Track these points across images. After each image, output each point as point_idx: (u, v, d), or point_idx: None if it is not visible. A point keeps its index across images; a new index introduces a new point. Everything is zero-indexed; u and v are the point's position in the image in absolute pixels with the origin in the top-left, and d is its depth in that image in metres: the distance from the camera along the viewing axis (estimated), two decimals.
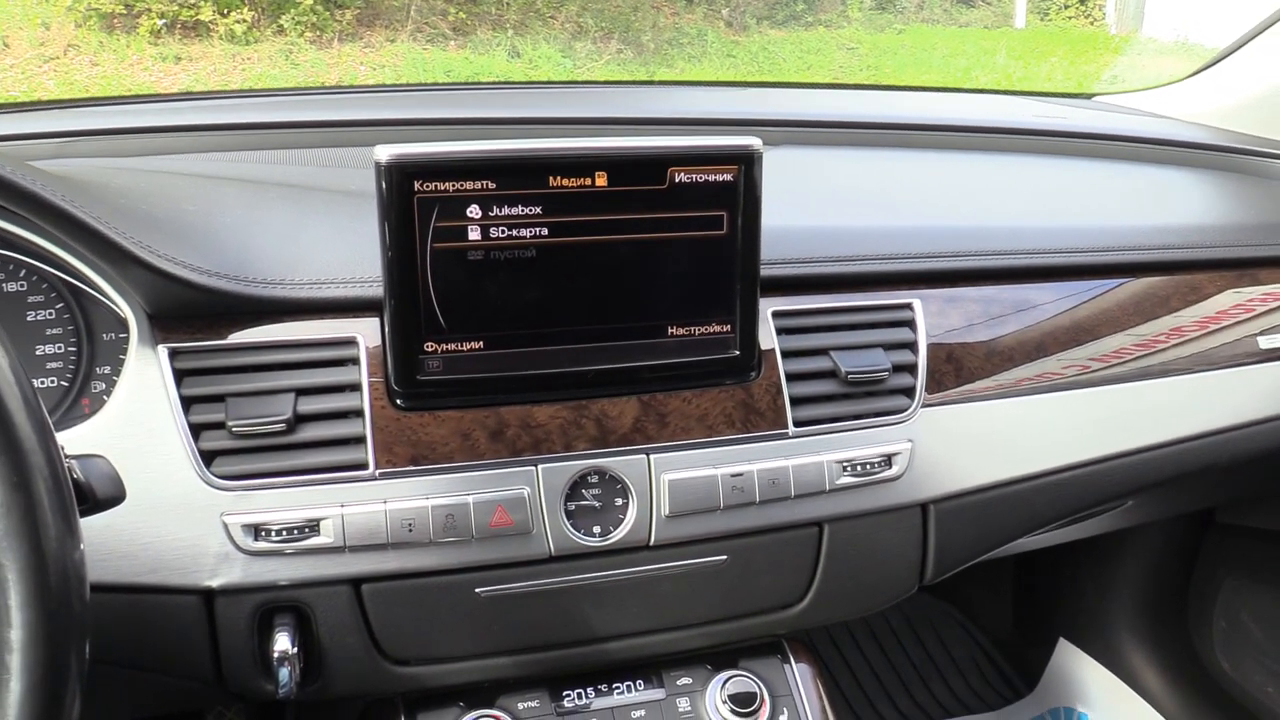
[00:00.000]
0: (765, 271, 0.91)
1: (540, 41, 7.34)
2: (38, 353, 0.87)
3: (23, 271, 0.87)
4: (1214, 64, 1.58)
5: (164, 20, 6.05)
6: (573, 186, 0.84)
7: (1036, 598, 2.11)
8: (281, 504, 0.82)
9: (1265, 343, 1.18)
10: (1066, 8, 10.40)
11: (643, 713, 0.97)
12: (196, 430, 0.83)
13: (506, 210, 0.83)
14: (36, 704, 0.55)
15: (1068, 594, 2.04)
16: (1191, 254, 1.19)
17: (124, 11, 5.96)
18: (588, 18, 7.82)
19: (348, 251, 0.90)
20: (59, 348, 0.88)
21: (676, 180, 0.85)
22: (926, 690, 2.07)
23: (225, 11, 6.21)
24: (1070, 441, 1.06)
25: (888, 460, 0.96)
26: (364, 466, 0.84)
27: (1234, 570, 1.79)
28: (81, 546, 0.58)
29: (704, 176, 0.86)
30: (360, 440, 0.84)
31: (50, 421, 0.58)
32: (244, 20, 6.27)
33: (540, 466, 0.87)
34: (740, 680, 0.98)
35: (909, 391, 0.98)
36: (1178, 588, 1.91)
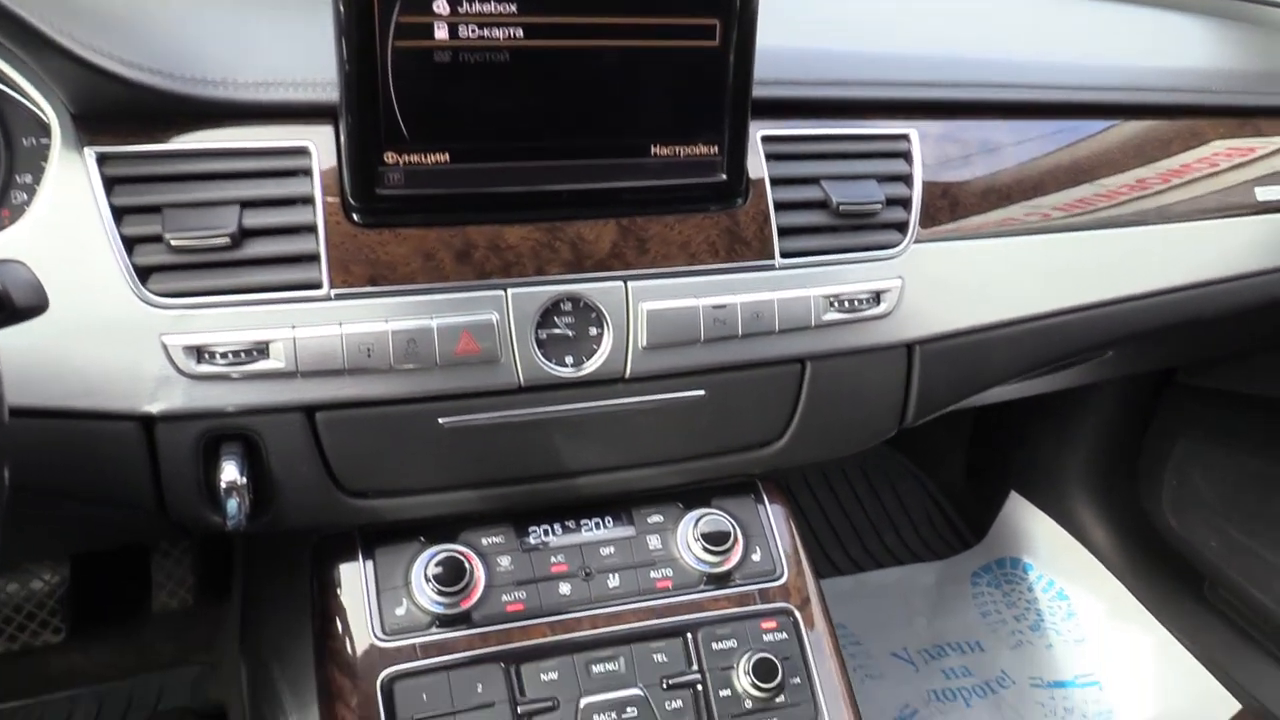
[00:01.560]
0: (756, 92, 0.84)
1: None
2: None
3: None
4: None
5: None
6: None
7: (991, 451, 2.13)
8: (226, 325, 0.76)
9: (1262, 194, 1.15)
10: None
11: (612, 550, 0.94)
12: (130, 243, 0.75)
13: (478, 6, 0.74)
14: None
15: (1024, 450, 2.06)
16: (1195, 98, 1.14)
17: None
18: None
19: (299, 50, 0.81)
20: None
21: None
22: (879, 539, 2.11)
23: None
24: (1061, 286, 1.03)
25: (876, 297, 0.91)
26: (317, 286, 0.77)
27: (1189, 429, 1.81)
28: None
29: None
30: (313, 258, 0.77)
31: None
32: None
33: (510, 291, 0.80)
34: (713, 519, 0.95)
35: (902, 226, 0.93)
36: (1131, 446, 1.93)
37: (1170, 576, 1.88)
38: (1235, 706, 1.69)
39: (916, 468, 2.21)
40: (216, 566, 1.68)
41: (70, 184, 0.75)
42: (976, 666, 1.86)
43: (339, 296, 0.77)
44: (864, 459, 2.18)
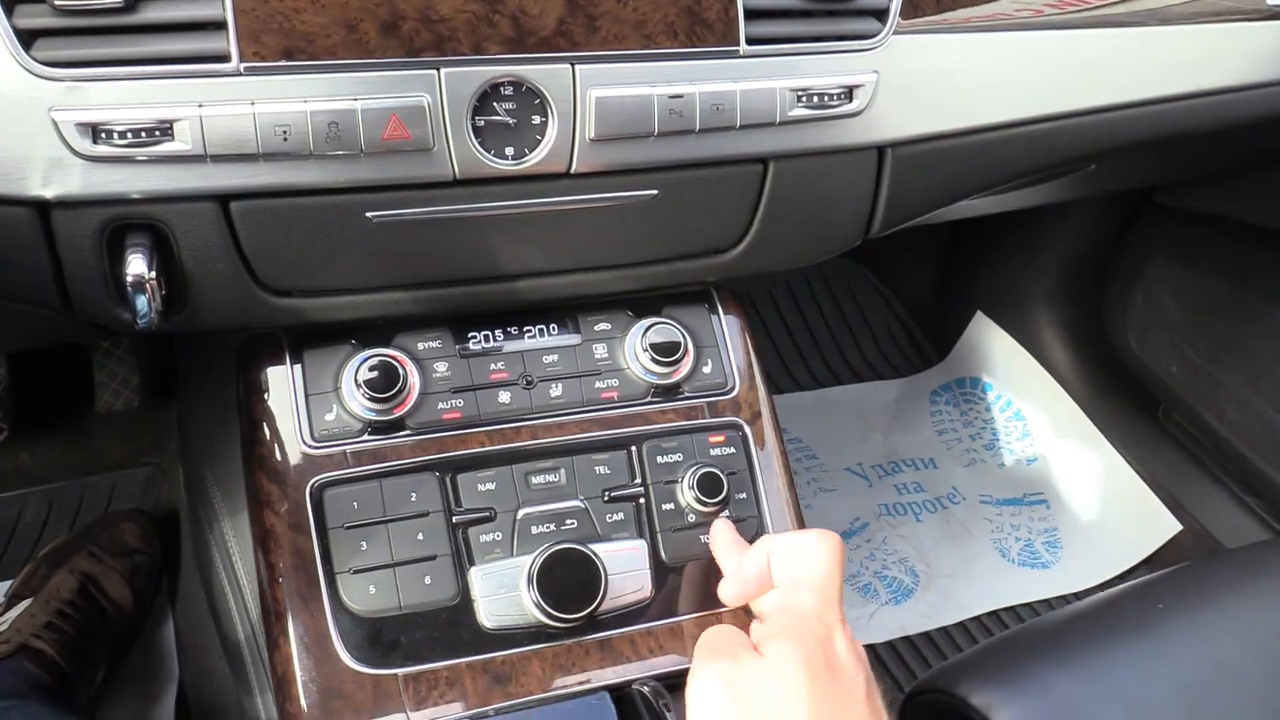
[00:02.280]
0: None
1: None
2: None
3: None
4: None
5: None
6: None
7: (958, 268, 2.09)
8: (125, 99, 0.67)
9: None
10: None
11: (555, 358, 0.90)
12: (9, 4, 0.65)
13: None
14: None
15: (990, 267, 2.02)
16: None
17: None
18: None
19: None
20: None
21: None
22: (840, 355, 2.09)
23: None
24: (1047, 90, 0.95)
25: (848, 93, 0.83)
26: (225, 58, 0.68)
27: (1163, 250, 1.77)
28: None
29: None
30: (219, 25, 0.68)
31: None
32: None
33: (443, 70, 0.72)
34: (663, 328, 0.91)
35: (881, 14, 0.84)
36: (1101, 266, 1.89)
37: (1127, 399, 1.89)
38: (1177, 527, 1.72)
39: (883, 285, 2.17)
40: (159, 366, 1.63)
41: None
42: (929, 482, 1.88)
43: (250, 70, 0.69)
44: (830, 274, 2.13)
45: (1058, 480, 1.88)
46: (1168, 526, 1.73)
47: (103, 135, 0.67)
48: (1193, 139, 1.08)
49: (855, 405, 2.00)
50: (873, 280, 2.17)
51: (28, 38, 0.66)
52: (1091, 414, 1.90)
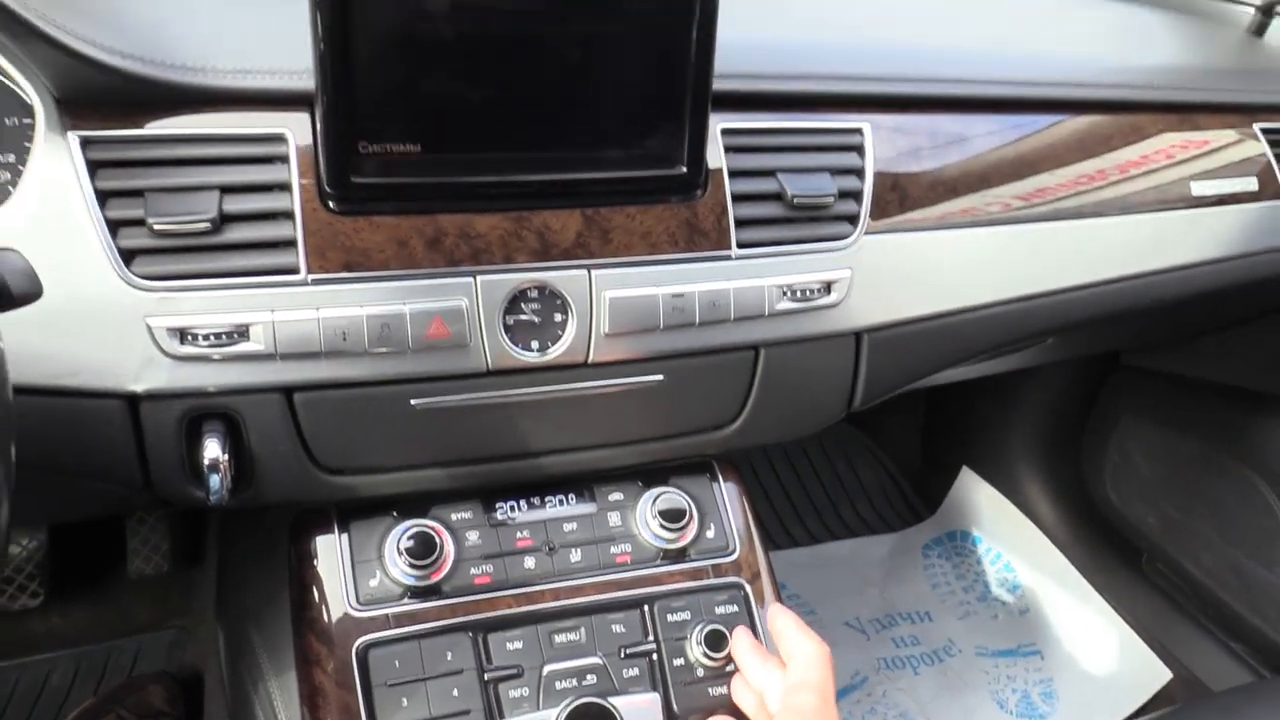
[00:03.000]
0: (716, 85, 0.87)
1: None
2: None
3: None
4: None
5: None
6: None
7: (944, 428, 2.20)
8: (208, 307, 0.79)
9: (1197, 190, 1.20)
10: None
11: (574, 525, 0.99)
12: (114, 227, 0.77)
13: (449, 2, 0.77)
14: None
15: (974, 427, 2.13)
16: (1137, 94, 1.19)
17: None
18: None
19: (276, 39, 0.83)
20: None
21: None
22: (836, 513, 2.17)
23: None
24: (1003, 279, 1.08)
25: (827, 287, 0.95)
26: (295, 271, 0.80)
27: (1131, 409, 1.88)
28: (1, 344, 0.55)
29: None
30: (291, 243, 0.80)
31: None
32: None
33: (479, 278, 0.84)
34: (670, 497, 1.00)
35: (853, 219, 0.97)
36: (1075, 424, 2.00)
37: (1111, 550, 1.97)
38: (1168, 675, 1.78)
39: (873, 444, 2.28)
40: (190, 534, 1.71)
41: (54, 166, 0.77)
42: (925, 635, 1.93)
43: (316, 282, 0.80)
44: (822, 436, 2.24)
45: (1050, 631, 1.94)
46: (1159, 674, 1.78)
47: (189, 338, 0.79)
48: (1135, 314, 1.21)
49: (850, 560, 2.07)
50: (864, 440, 2.28)
51: (129, 256, 0.78)
52: (1078, 564, 1.97)
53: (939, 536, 2.14)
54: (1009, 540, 2.08)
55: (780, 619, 0.92)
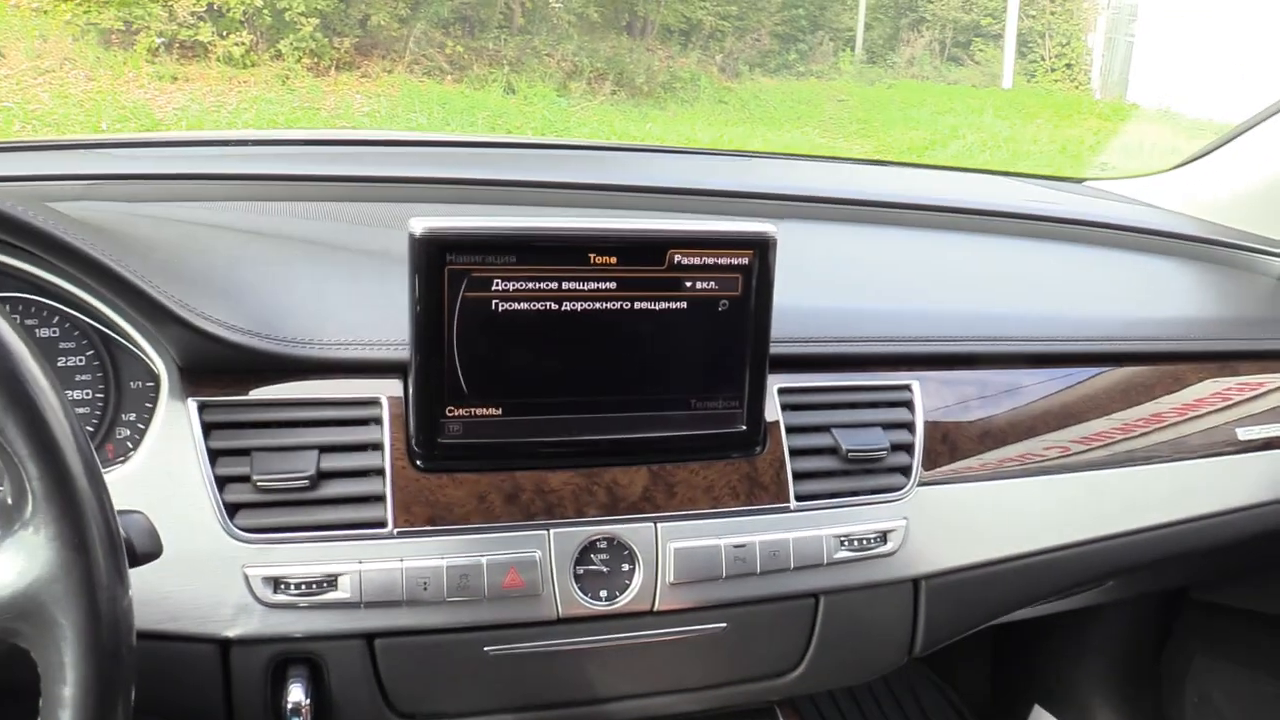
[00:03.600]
0: (773, 349, 0.95)
1: (536, 80, 7.44)
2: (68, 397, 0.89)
3: (55, 318, 0.90)
4: (1203, 155, 1.64)
5: (162, 39, 6.10)
6: (595, 264, 0.88)
7: (1013, 666, 2.14)
8: (302, 558, 0.85)
9: (1243, 434, 1.23)
10: (1053, 70, 10.66)
11: None
12: (222, 482, 0.85)
13: (528, 285, 0.87)
14: None
15: (1044, 664, 2.07)
16: (1175, 346, 1.24)
17: (122, 28, 6.01)
18: (583, 58, 7.94)
19: (373, 313, 0.93)
20: (87, 394, 0.90)
21: (697, 262, 0.89)
22: None
23: (224, 34, 6.26)
24: (1056, 525, 1.11)
25: (883, 536, 0.99)
26: (383, 524, 0.87)
27: (1205, 646, 1.83)
28: (130, 595, 0.61)
29: (722, 259, 0.90)
30: (380, 499, 0.87)
31: (106, 482, 0.61)
32: (242, 43, 6.33)
33: (552, 531, 0.90)
34: None
35: (905, 470, 1.02)
36: (1150, 661, 1.95)
37: None
38: None
39: (941, 681, 2.22)
40: None
41: (173, 427, 0.87)
42: None
43: (401, 534, 0.87)
44: (890, 673, 2.20)
45: None
46: None
47: (282, 586, 0.85)
48: (1193, 556, 1.22)
49: None
50: (931, 678, 2.23)
51: (233, 509, 0.85)
52: None
53: None
54: None
55: None
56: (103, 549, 0.59)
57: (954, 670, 2.21)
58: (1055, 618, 1.74)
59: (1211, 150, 1.64)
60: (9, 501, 0.58)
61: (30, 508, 0.57)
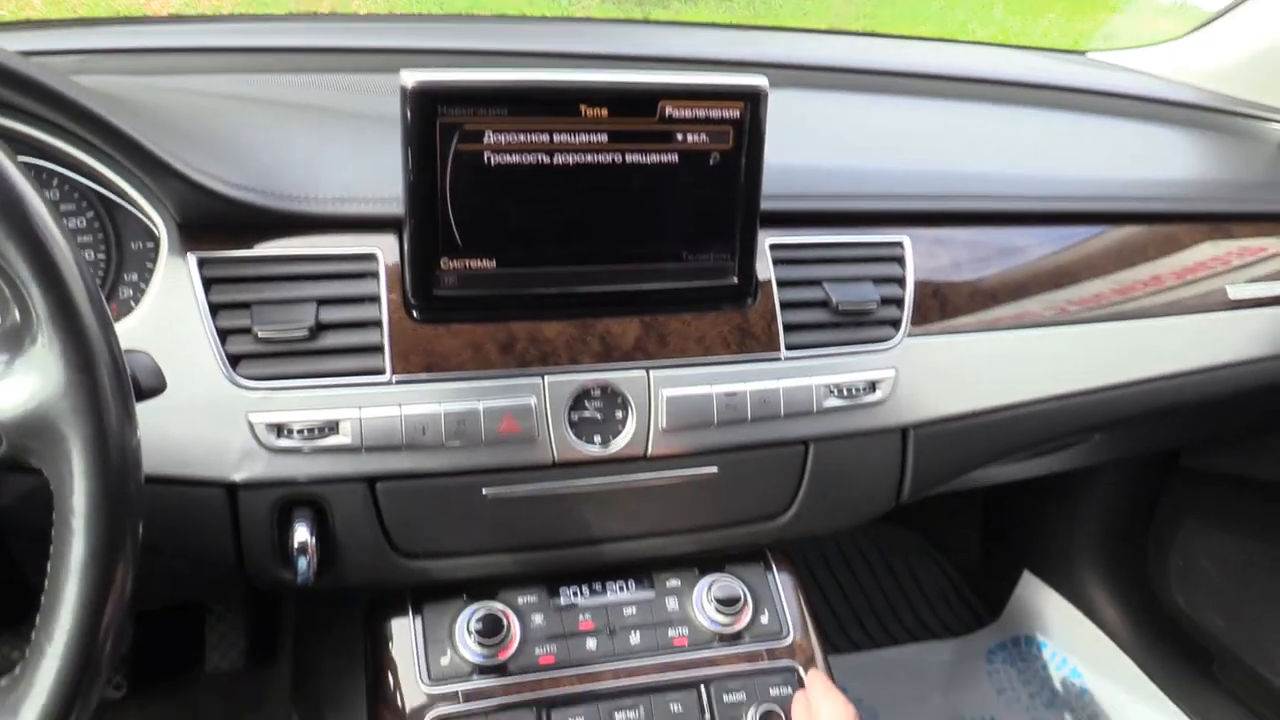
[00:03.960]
0: (764, 206, 0.96)
1: None
2: None
3: (55, 180, 0.91)
4: (1206, 25, 1.62)
5: None
6: (586, 116, 0.88)
7: (1004, 532, 2.20)
8: (303, 405, 0.88)
9: (1234, 293, 1.25)
10: None
11: (633, 610, 1.04)
12: (224, 335, 0.88)
13: (520, 138, 0.87)
14: (97, 568, 0.60)
15: (1034, 529, 2.13)
16: (1171, 206, 1.25)
17: None
18: None
19: (369, 172, 0.94)
20: (89, 255, 0.92)
21: (688, 115, 0.90)
22: (895, 617, 2.17)
23: None
24: (1044, 376, 1.13)
25: (872, 386, 1.02)
26: (381, 373, 0.89)
27: (1193, 512, 1.88)
28: (138, 435, 0.63)
29: (713, 111, 0.90)
30: (378, 349, 0.89)
31: (109, 315, 0.63)
32: None
33: (547, 379, 0.92)
34: (725, 584, 1.05)
35: (895, 323, 1.04)
36: (1138, 527, 2.00)
37: (1180, 655, 1.94)
38: None
39: (932, 547, 2.28)
40: (265, 631, 1.78)
41: (174, 282, 0.88)
42: None
43: (399, 382, 0.89)
44: (881, 539, 2.26)
45: None
46: None
47: (285, 432, 0.87)
48: (1180, 412, 1.24)
49: (912, 665, 2.06)
50: (923, 544, 2.29)
51: (235, 360, 0.88)
52: (1147, 670, 1.94)
53: (1003, 642, 2.12)
54: (1075, 646, 2.05)
55: (812, 677, 1.00)
56: (107, 371, 0.61)
57: (945, 537, 2.26)
58: (1046, 483, 1.77)
59: (1211, 21, 1.61)
60: (17, 323, 0.60)
61: (36, 328, 0.59)
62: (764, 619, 1.06)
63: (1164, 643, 1.96)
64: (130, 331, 0.87)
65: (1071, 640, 2.06)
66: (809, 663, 1.05)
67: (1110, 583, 2.03)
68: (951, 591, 2.23)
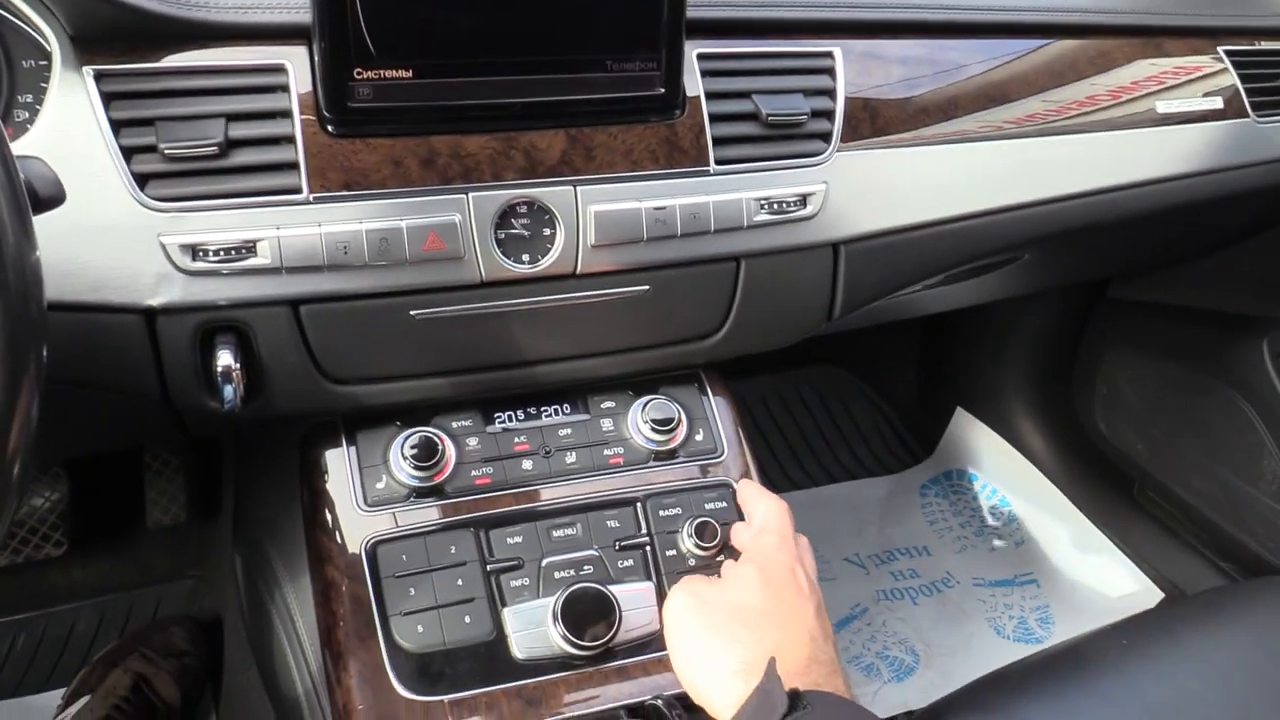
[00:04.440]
0: (690, 13, 0.92)
1: None
2: None
3: None
4: None
5: None
6: None
7: (938, 370, 2.25)
8: (218, 225, 0.84)
9: (1162, 107, 1.24)
10: None
11: (569, 431, 1.04)
12: (128, 153, 0.83)
13: None
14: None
15: (966, 366, 2.18)
16: (1103, 19, 1.23)
17: None
18: None
19: None
20: None
21: None
22: (834, 456, 2.23)
23: None
24: (972, 192, 1.12)
25: (803, 200, 1.01)
26: (298, 191, 0.86)
27: (1117, 341, 1.93)
28: (37, 252, 0.60)
29: None
30: (293, 166, 0.86)
31: None
32: None
33: (471, 195, 0.90)
34: (660, 404, 1.06)
35: (826, 136, 1.02)
36: (1065, 359, 2.05)
37: (1104, 480, 2.02)
38: (1160, 595, 1.83)
39: (869, 388, 2.33)
40: (206, 484, 1.78)
41: (70, 99, 0.83)
42: (923, 569, 1.99)
43: (317, 200, 0.86)
44: (820, 381, 2.30)
45: (1046, 560, 1.99)
46: (1151, 596, 1.84)
47: (200, 254, 0.84)
48: (1105, 229, 1.25)
49: (849, 501, 2.13)
50: (860, 385, 2.33)
51: (142, 180, 0.83)
52: (1071, 496, 2.03)
53: (936, 476, 2.19)
54: (1004, 476, 2.13)
55: (744, 485, 1.04)
56: None
57: (882, 377, 2.31)
58: (979, 321, 1.80)
59: None
60: None
61: None
62: (698, 437, 1.08)
63: (1088, 469, 2.05)
64: (25, 150, 0.82)
65: (1000, 471, 2.13)
66: (742, 478, 1.07)
67: (1037, 414, 2.10)
68: (888, 430, 2.29)
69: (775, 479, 2.15)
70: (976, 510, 2.11)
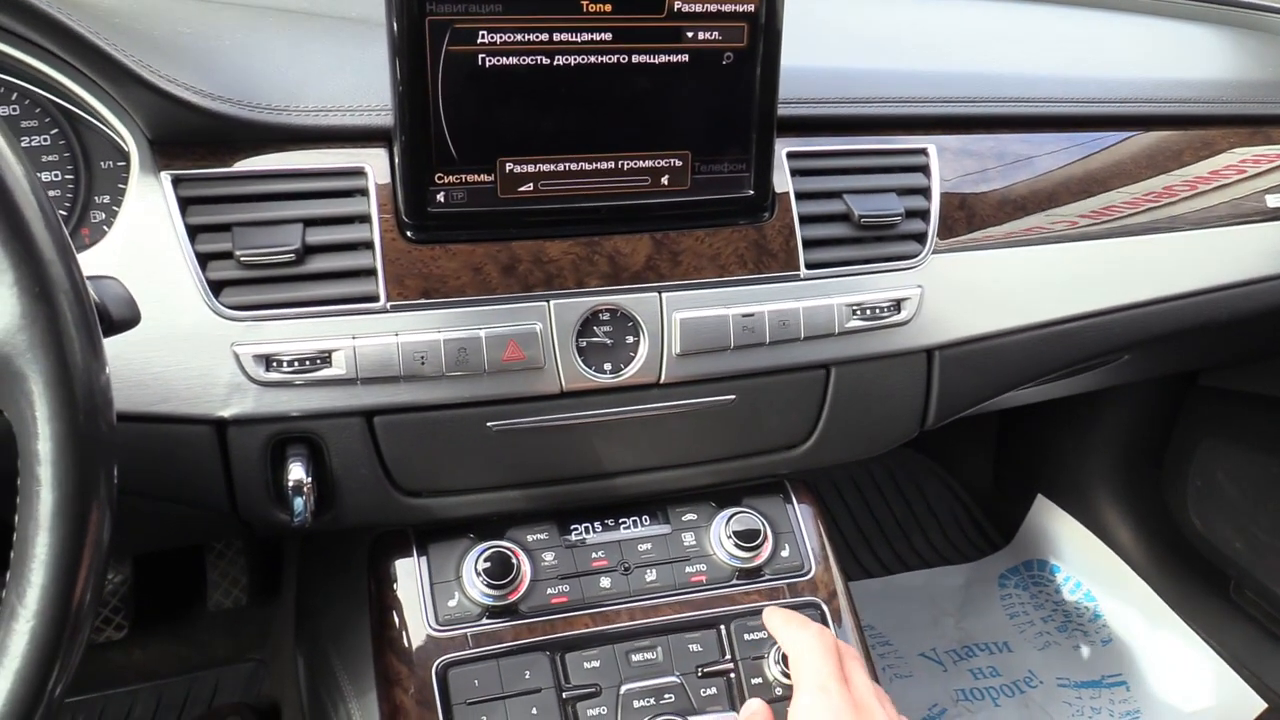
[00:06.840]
0: (781, 111, 0.89)
1: None
2: None
3: (15, 94, 0.84)
4: None
5: None
6: (588, 12, 0.80)
7: (1017, 455, 2.16)
8: (292, 335, 0.82)
9: (1273, 201, 1.18)
10: None
11: (649, 546, 0.99)
12: (204, 259, 0.81)
13: (517, 37, 0.79)
14: (69, 518, 0.54)
15: (1047, 452, 2.09)
16: (1206, 109, 1.18)
17: None
18: None
19: (353, 79, 0.87)
20: (55, 175, 0.85)
21: (699, 9, 0.82)
22: (907, 542, 2.14)
23: None
24: (1075, 293, 1.07)
25: (897, 305, 0.96)
26: (375, 299, 0.83)
27: (1213, 431, 1.84)
28: (108, 370, 0.57)
29: (726, 6, 0.82)
30: (371, 272, 0.83)
31: (69, 238, 0.56)
32: None
33: (552, 302, 0.86)
34: (744, 517, 1.00)
35: (920, 237, 0.98)
36: (1154, 448, 1.96)
37: (1196, 577, 1.91)
38: (1261, 705, 1.71)
39: (944, 471, 2.25)
40: (268, 567, 1.76)
41: (147, 204, 0.81)
42: (1004, 667, 1.89)
43: (395, 308, 0.83)
44: (893, 463, 2.22)
45: (1135, 661, 1.88)
46: (1252, 704, 1.72)
47: (274, 364, 0.81)
48: (1213, 329, 1.19)
49: (925, 591, 2.04)
50: (935, 468, 2.25)
51: (217, 287, 0.81)
52: (1162, 593, 1.92)
53: (1015, 566, 2.10)
54: (1088, 569, 2.03)
55: (770, 614, 0.88)
56: (67, 299, 0.54)
57: (959, 461, 2.23)
58: (1061, 406, 1.72)
59: None
60: None
61: None
62: (784, 553, 1.02)
63: (1179, 564, 1.94)
64: (101, 258, 0.81)
65: (1085, 563, 2.03)
66: (831, 598, 1.01)
67: (1124, 505, 2.00)
68: (964, 516, 2.21)
69: (846, 565, 2.07)
70: (1059, 604, 2.01)
